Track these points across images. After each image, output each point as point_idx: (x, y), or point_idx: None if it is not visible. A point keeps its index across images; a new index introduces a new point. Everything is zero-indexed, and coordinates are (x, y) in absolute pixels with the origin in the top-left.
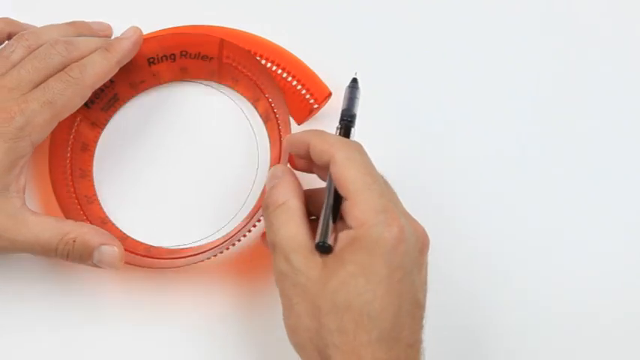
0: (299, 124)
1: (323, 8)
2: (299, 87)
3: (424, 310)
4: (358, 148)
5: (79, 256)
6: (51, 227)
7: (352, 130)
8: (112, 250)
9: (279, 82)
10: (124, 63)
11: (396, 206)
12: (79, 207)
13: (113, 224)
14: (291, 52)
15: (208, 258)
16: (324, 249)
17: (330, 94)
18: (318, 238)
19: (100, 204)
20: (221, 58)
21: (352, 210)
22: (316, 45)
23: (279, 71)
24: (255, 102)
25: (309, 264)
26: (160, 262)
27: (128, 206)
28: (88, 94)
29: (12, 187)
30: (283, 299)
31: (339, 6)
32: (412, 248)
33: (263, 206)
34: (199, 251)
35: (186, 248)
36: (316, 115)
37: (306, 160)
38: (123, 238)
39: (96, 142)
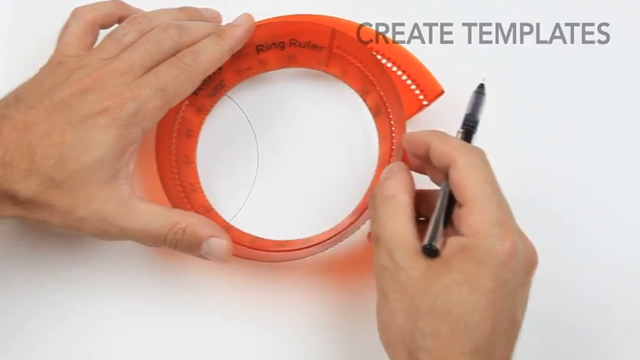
0: (405, 120)
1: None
2: (408, 82)
3: (519, 329)
4: (481, 155)
5: (187, 246)
6: (160, 216)
7: (474, 136)
8: (220, 242)
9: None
10: (236, 50)
11: (511, 221)
12: (183, 194)
13: (217, 213)
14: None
15: (316, 253)
16: (431, 252)
17: (442, 92)
18: (426, 240)
19: (203, 192)
20: (331, 48)
21: (467, 217)
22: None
23: (389, 64)
24: (364, 94)
25: (413, 263)
26: (266, 254)
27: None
28: (200, 81)
29: (121, 174)
30: (380, 294)
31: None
32: (521, 266)
33: (371, 196)
34: (307, 244)
35: (293, 240)
36: (424, 112)
37: (420, 161)
38: (227, 228)
39: (200, 128)
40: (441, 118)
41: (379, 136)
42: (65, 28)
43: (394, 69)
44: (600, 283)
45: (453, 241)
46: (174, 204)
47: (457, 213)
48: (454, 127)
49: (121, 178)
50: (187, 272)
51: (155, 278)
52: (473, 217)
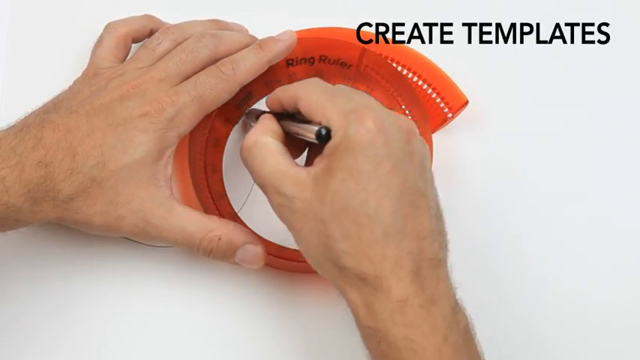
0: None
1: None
2: (434, 95)
3: (431, 200)
4: (315, 80)
5: (222, 254)
6: (197, 221)
7: None
8: (255, 249)
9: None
10: (273, 63)
11: (366, 106)
12: (212, 201)
13: (242, 221)
14: (428, 56)
15: None
16: (326, 134)
17: (466, 103)
18: (314, 133)
19: (229, 200)
20: (359, 67)
21: (324, 120)
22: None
23: (410, 75)
24: None
25: (301, 188)
26: (292, 264)
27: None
28: (236, 90)
29: (160, 176)
30: (291, 232)
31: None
32: (395, 138)
33: (240, 153)
34: None
35: None
36: (451, 123)
37: None
38: None
39: (227, 138)
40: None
41: None
42: (99, 42)
43: (415, 79)
44: (601, 284)
45: (326, 150)
46: (206, 211)
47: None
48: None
49: (160, 181)
50: (198, 266)
51: (165, 271)
52: (330, 119)
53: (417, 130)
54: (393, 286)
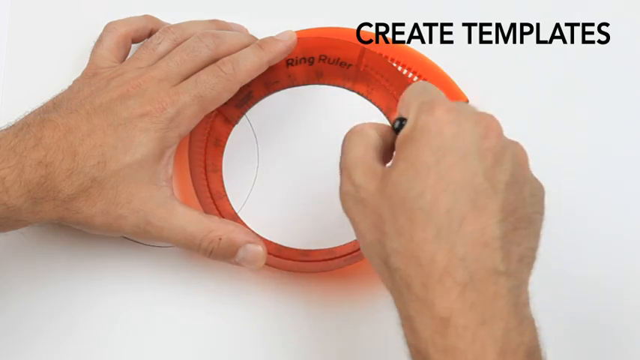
0: None
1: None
2: None
3: (503, 203)
4: (421, 82)
5: (223, 254)
6: (197, 221)
7: None
8: (256, 248)
9: None
10: (273, 64)
11: (446, 101)
12: (212, 201)
13: (242, 221)
14: (428, 55)
15: (342, 266)
16: (400, 124)
17: (466, 102)
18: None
19: (229, 200)
20: (359, 66)
21: (402, 113)
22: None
23: (410, 74)
24: (387, 112)
25: (368, 178)
26: (293, 264)
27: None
28: (237, 89)
29: (161, 176)
30: (351, 223)
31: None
32: (468, 131)
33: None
34: (332, 256)
35: (316, 250)
36: None
37: None
38: None
39: (227, 138)
40: None
41: None
42: (99, 41)
43: (415, 79)
44: (604, 283)
45: (397, 142)
46: (206, 211)
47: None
48: None
49: (161, 180)
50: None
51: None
52: (407, 114)
53: (500, 130)
54: (438, 297)
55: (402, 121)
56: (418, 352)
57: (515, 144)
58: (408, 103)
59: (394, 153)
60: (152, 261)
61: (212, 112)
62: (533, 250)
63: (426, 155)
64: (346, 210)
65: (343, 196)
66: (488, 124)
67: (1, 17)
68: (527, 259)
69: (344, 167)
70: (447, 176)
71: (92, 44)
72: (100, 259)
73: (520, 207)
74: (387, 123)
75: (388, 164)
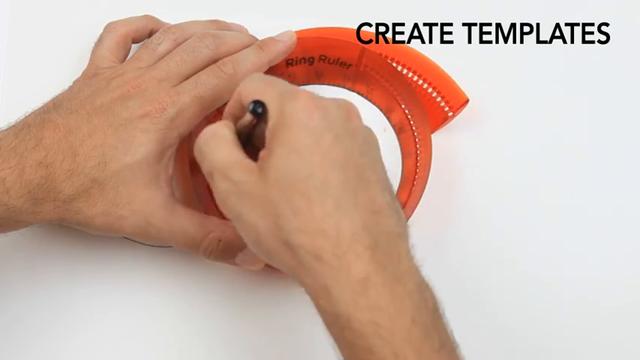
0: (431, 133)
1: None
2: (434, 94)
3: (379, 174)
4: (255, 75)
5: (222, 255)
6: (197, 222)
7: None
8: None
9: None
10: (274, 64)
11: (303, 89)
12: (212, 203)
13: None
14: (428, 55)
15: None
16: (258, 107)
17: (466, 101)
18: (250, 108)
19: None
20: (359, 66)
21: (263, 100)
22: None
23: (410, 74)
24: (388, 112)
25: (247, 173)
26: None
27: None
28: None
29: (161, 177)
30: (235, 221)
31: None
32: (334, 115)
33: (194, 145)
34: None
35: None
36: (451, 123)
37: None
38: None
39: None
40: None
41: (402, 154)
42: (99, 42)
43: (416, 79)
44: (603, 283)
45: (267, 135)
46: (207, 212)
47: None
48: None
49: (162, 181)
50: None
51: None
52: (265, 97)
53: (359, 113)
54: (352, 262)
55: (257, 104)
56: (338, 317)
57: (368, 127)
58: (262, 92)
59: (267, 147)
60: (152, 261)
61: (212, 112)
62: (400, 209)
63: (303, 138)
64: (230, 207)
65: (223, 194)
66: (348, 107)
67: (1, 17)
68: (403, 219)
69: (213, 171)
70: (330, 155)
71: (92, 44)
72: (100, 259)
73: (383, 173)
74: (387, 123)
75: (262, 153)
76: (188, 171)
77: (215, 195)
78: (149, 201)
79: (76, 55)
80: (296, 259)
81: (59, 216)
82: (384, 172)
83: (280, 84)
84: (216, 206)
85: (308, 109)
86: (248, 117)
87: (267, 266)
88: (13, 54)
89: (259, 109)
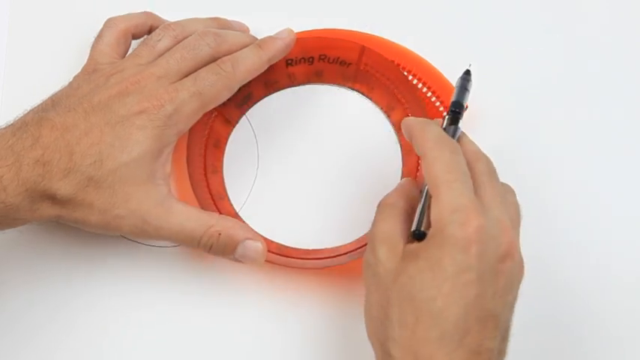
0: None
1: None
2: (429, 94)
3: (500, 322)
4: (452, 147)
5: (222, 249)
6: (196, 218)
7: (460, 121)
8: (255, 245)
9: None
10: (273, 62)
11: (477, 207)
12: (212, 202)
13: (244, 221)
14: (428, 59)
15: (343, 263)
16: (418, 235)
17: (465, 107)
18: (413, 227)
19: (229, 201)
20: (359, 65)
21: (432, 208)
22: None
23: (410, 77)
24: (388, 111)
25: (390, 256)
26: (296, 261)
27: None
28: (236, 88)
29: (158, 174)
30: (365, 290)
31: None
32: (490, 253)
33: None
34: (336, 253)
35: (320, 250)
36: None
37: None
38: None
39: (227, 139)
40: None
41: (402, 152)
42: (99, 37)
43: (420, 85)
44: (605, 281)
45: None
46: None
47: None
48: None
49: (159, 179)
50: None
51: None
52: (435, 206)
53: (519, 252)
54: None
55: (420, 233)
56: None
57: (521, 264)
58: (437, 192)
59: (415, 248)
60: (151, 261)
61: (212, 112)
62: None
63: (446, 265)
64: (364, 278)
65: (365, 265)
66: (508, 248)
67: (1, 16)
68: None
69: (372, 239)
70: (462, 291)
71: (92, 41)
72: (99, 258)
73: (507, 320)
74: (388, 123)
75: (411, 246)
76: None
77: (363, 259)
78: (145, 199)
79: (75, 53)
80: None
81: (56, 213)
82: (509, 317)
83: (459, 186)
84: (216, 206)
85: (469, 242)
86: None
87: (270, 262)
88: (13, 53)
89: (416, 237)
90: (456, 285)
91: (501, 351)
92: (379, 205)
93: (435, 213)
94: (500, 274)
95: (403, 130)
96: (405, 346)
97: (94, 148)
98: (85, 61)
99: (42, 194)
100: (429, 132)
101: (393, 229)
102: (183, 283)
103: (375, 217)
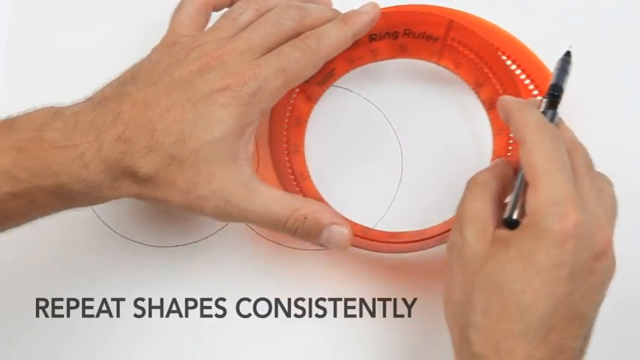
0: None
1: None
2: (523, 76)
3: (586, 322)
4: (551, 133)
5: (308, 233)
6: (282, 200)
7: (558, 106)
8: (341, 230)
9: None
10: (358, 37)
11: (578, 201)
12: (295, 183)
13: (326, 202)
14: (521, 39)
15: (430, 247)
16: (510, 223)
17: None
18: (506, 214)
19: (312, 181)
20: (446, 40)
21: (530, 197)
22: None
23: (503, 57)
24: (477, 87)
25: (478, 238)
26: (380, 245)
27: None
28: (321, 64)
29: (241, 155)
30: (447, 270)
31: None
32: (585, 250)
33: (468, 181)
34: (422, 237)
35: (405, 232)
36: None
37: None
38: None
39: (308, 116)
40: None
41: (493, 130)
42: (179, 8)
43: (509, 63)
44: None
45: (521, 220)
46: (288, 191)
47: (527, 192)
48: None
49: (242, 159)
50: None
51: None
52: (534, 195)
53: (612, 250)
54: None
55: (513, 221)
56: None
57: (614, 263)
58: (536, 181)
59: (507, 235)
60: (153, 261)
61: (294, 90)
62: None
63: (540, 258)
64: (448, 258)
65: (450, 245)
66: (603, 246)
67: (1, 16)
68: None
69: (460, 218)
70: (552, 287)
71: (92, 42)
72: (99, 259)
73: (592, 319)
74: (478, 101)
75: (500, 231)
76: (269, 151)
77: (448, 241)
78: (229, 180)
79: (76, 53)
80: (462, 345)
81: (137, 192)
82: (594, 317)
83: (561, 176)
84: (299, 187)
85: (566, 236)
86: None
87: (355, 246)
88: (13, 52)
89: (510, 224)
90: (547, 280)
91: (582, 351)
92: (470, 182)
93: (532, 203)
94: (593, 272)
95: (499, 110)
96: (486, 336)
97: (176, 126)
98: (84, 59)
99: (123, 172)
100: (529, 115)
101: (484, 209)
102: (184, 283)
103: (464, 194)
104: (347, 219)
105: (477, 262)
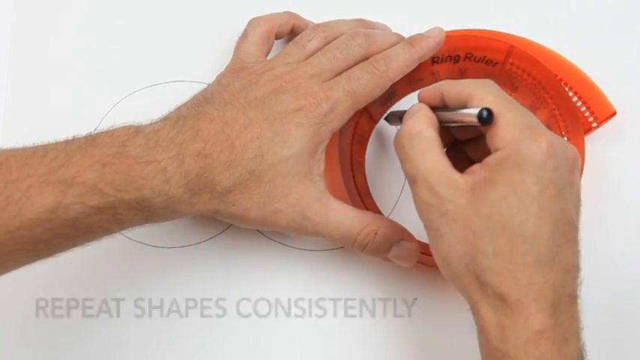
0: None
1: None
2: (579, 103)
3: (578, 232)
4: (490, 82)
5: (377, 249)
6: (352, 216)
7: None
8: (410, 246)
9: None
10: (423, 60)
11: (540, 124)
12: (359, 198)
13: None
14: (575, 63)
15: None
16: (487, 116)
17: (613, 113)
18: (476, 115)
19: (372, 197)
20: (505, 64)
21: (497, 132)
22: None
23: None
24: (533, 109)
25: (456, 192)
26: None
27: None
28: (388, 86)
29: (315, 171)
30: (430, 232)
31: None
32: (562, 165)
33: (395, 138)
34: None
35: None
36: (593, 134)
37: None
38: None
39: (369, 135)
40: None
41: None
42: (244, 36)
43: (566, 89)
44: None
45: (490, 160)
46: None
47: (488, 135)
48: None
49: (315, 175)
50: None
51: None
52: (502, 128)
53: (579, 158)
54: (533, 314)
55: (487, 111)
56: (505, 355)
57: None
58: (499, 116)
59: (482, 169)
60: (152, 261)
61: (360, 110)
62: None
63: (530, 185)
64: (428, 220)
65: (423, 206)
66: (573, 157)
67: (3, 17)
68: (580, 280)
69: (417, 178)
70: (548, 208)
71: (95, 45)
72: (99, 260)
73: (578, 230)
74: None
75: (473, 176)
76: (334, 166)
77: (415, 201)
78: (305, 195)
79: (79, 58)
80: (480, 293)
81: (214, 207)
82: (579, 228)
83: (519, 110)
84: (363, 202)
85: (544, 156)
86: (460, 117)
87: (419, 263)
88: (15, 53)
89: (488, 119)
90: (543, 203)
91: (579, 267)
92: (403, 136)
93: (503, 135)
94: (572, 184)
95: (424, 99)
96: (504, 273)
97: (255, 143)
98: (85, 65)
99: (203, 187)
100: (461, 81)
101: (441, 162)
102: (185, 283)
103: (405, 151)
104: (412, 234)
105: (468, 212)
